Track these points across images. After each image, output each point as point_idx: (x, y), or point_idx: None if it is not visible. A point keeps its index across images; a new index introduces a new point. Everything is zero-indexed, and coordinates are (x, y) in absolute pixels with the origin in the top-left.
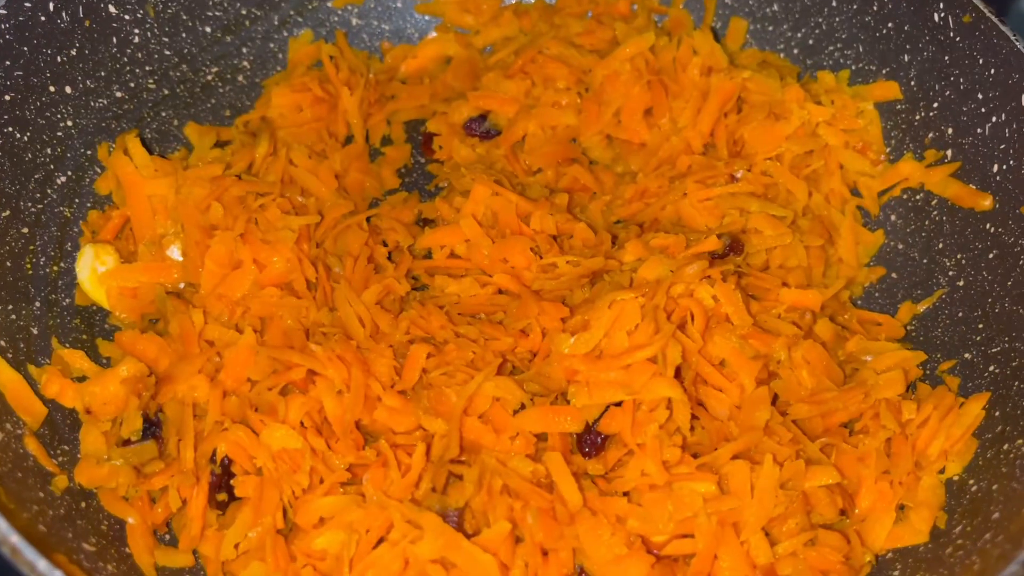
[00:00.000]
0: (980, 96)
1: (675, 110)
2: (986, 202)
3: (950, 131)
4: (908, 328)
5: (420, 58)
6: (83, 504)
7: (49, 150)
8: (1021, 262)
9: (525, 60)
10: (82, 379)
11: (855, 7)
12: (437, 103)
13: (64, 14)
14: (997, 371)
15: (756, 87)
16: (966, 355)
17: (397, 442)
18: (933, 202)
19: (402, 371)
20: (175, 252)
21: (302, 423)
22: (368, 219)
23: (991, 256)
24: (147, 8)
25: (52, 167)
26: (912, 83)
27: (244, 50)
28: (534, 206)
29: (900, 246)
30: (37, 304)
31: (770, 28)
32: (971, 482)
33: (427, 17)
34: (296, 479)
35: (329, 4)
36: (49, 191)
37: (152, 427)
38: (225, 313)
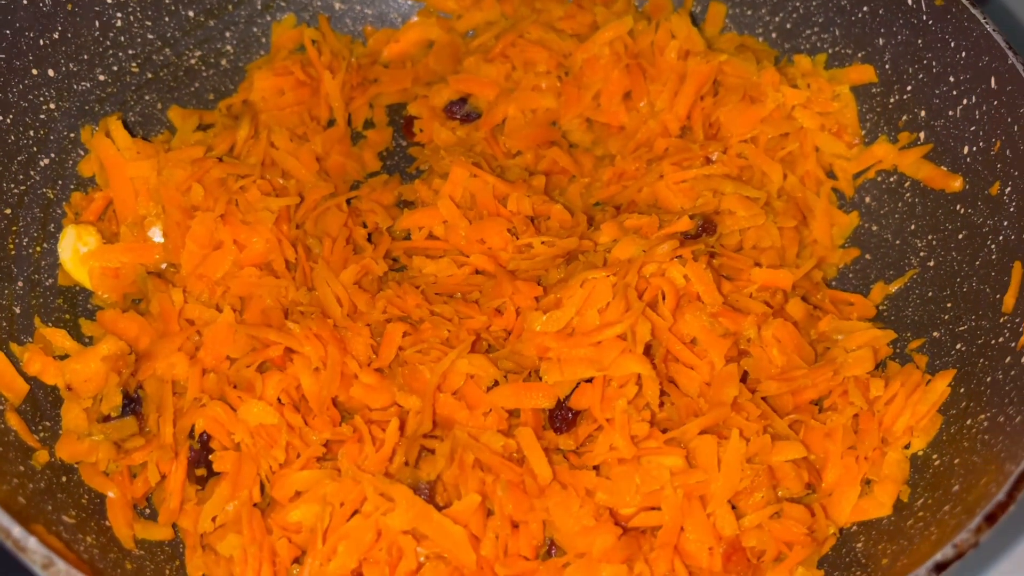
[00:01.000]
0: (952, 79)
1: (653, 93)
2: (956, 183)
3: (923, 113)
4: (880, 308)
5: (402, 42)
6: (64, 478)
7: (32, 132)
8: (989, 243)
9: (505, 44)
10: (64, 357)
11: None
12: (419, 87)
13: None
14: (963, 349)
15: (732, 70)
16: (935, 333)
17: (373, 418)
18: (906, 184)
19: (379, 349)
20: (157, 233)
21: (279, 400)
22: (348, 201)
23: (960, 237)
24: None
25: (35, 149)
26: (887, 66)
27: (227, 34)
28: (511, 188)
29: (874, 227)
30: (20, 284)
31: (748, 12)
32: (934, 456)
33: (410, 2)
34: (273, 454)
35: None
36: (32, 173)
37: (132, 403)
38: (205, 293)
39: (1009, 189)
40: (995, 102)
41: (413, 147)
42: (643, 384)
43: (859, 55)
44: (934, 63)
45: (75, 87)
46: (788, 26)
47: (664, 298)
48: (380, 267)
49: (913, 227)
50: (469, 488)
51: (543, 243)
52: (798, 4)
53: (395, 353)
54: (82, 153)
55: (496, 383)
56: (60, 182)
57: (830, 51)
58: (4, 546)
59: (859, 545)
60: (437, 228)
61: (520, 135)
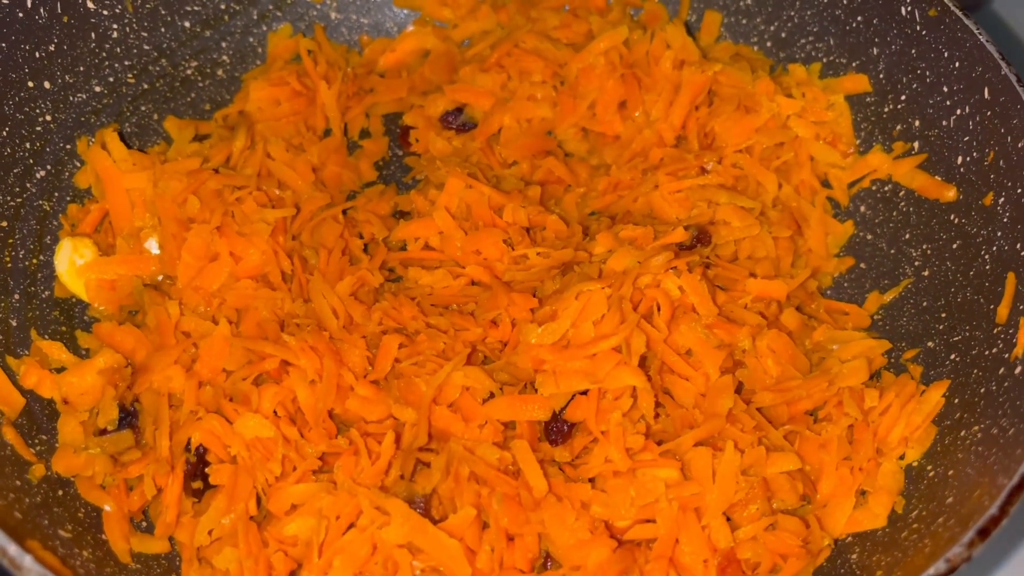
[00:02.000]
0: (945, 89)
1: (648, 103)
2: (950, 193)
3: (917, 123)
4: (875, 317)
5: (398, 51)
6: (60, 492)
7: (28, 145)
8: (983, 253)
9: (501, 54)
10: (61, 370)
11: (826, 1)
12: (415, 96)
13: (42, 10)
14: (957, 359)
15: (727, 80)
16: (929, 343)
17: (368, 431)
18: (901, 193)
19: (375, 361)
20: (153, 245)
21: (275, 412)
22: (344, 211)
23: (955, 247)
24: (126, 3)
25: (31, 161)
26: (881, 76)
27: (223, 44)
28: (507, 199)
29: (869, 236)
30: (16, 296)
31: (744, 21)
32: (929, 468)
33: (406, 11)
34: (269, 467)
35: None
36: (28, 185)
37: (128, 417)
38: (201, 305)
39: (1003, 200)
40: (988, 112)
41: (409, 157)
42: (638, 396)
43: (853, 64)
44: (928, 73)
45: (71, 99)
46: (783, 35)
47: (659, 309)
48: (376, 278)
49: (908, 236)
50: (464, 501)
51: (538, 254)
52: (793, 13)
53: (391, 365)
54: (78, 165)
55: (492, 395)
56: (56, 194)
57: (825, 60)
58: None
59: (854, 557)
60: (433, 239)
61: (516, 145)
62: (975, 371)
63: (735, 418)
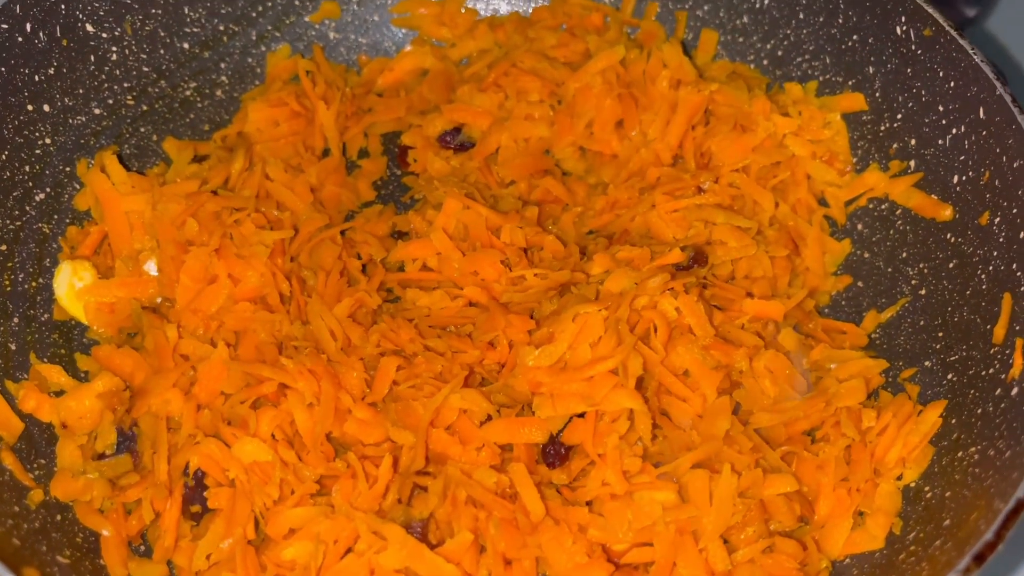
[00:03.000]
0: (941, 108)
1: (645, 122)
2: (947, 212)
3: (913, 142)
4: (872, 336)
5: (397, 71)
6: (58, 517)
7: (28, 167)
8: (979, 272)
9: (498, 73)
10: (60, 393)
11: (821, 19)
12: (413, 116)
13: (41, 34)
14: (955, 379)
15: (724, 99)
16: (926, 363)
17: (367, 454)
18: (898, 212)
19: (372, 383)
20: (152, 267)
21: (273, 436)
22: (342, 232)
23: (951, 266)
24: (124, 26)
25: (31, 184)
26: (877, 94)
27: (222, 65)
28: (504, 219)
29: (866, 255)
30: (15, 320)
31: (740, 40)
32: (926, 489)
33: (403, 31)
34: (267, 491)
35: (307, 19)
36: (28, 208)
37: (127, 441)
38: (200, 327)
39: (998, 219)
40: (983, 132)
41: (407, 176)
42: (635, 419)
43: (849, 83)
44: (923, 92)
45: (70, 121)
46: (779, 53)
47: (656, 331)
48: (374, 300)
49: (905, 255)
50: (462, 525)
51: (536, 275)
52: (789, 32)
53: (389, 387)
54: (78, 187)
55: (489, 417)
56: (56, 216)
57: (821, 79)
58: None
59: None
60: (431, 260)
61: (513, 164)
62: (972, 391)
63: (732, 439)
